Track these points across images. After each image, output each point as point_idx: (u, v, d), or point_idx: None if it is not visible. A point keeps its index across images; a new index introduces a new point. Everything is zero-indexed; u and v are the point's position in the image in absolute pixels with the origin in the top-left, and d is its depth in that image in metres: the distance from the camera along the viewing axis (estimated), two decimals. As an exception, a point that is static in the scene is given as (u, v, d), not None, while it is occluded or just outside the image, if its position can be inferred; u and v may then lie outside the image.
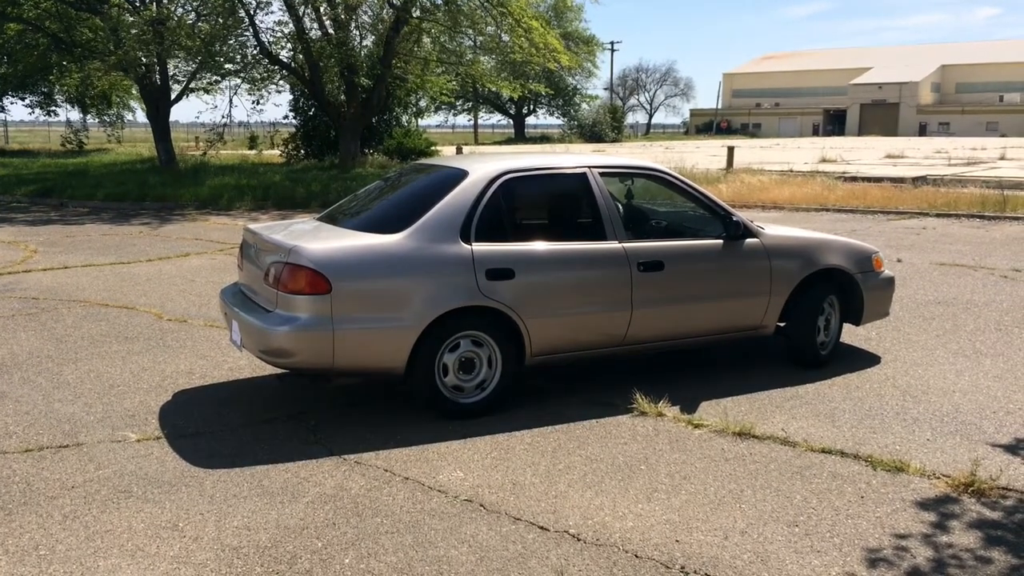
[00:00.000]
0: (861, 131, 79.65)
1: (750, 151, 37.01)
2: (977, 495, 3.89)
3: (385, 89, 24.10)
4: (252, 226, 5.44)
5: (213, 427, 4.80)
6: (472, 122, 71.26)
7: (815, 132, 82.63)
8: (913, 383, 5.59)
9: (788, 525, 3.62)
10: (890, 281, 6.36)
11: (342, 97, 23.91)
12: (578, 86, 69.43)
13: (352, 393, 5.35)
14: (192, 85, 24.29)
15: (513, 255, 4.95)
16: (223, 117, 25.02)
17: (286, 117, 28.93)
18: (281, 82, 24.92)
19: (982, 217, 14.50)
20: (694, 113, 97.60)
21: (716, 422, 4.80)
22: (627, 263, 5.23)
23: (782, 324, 5.89)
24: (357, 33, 24.84)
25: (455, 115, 69.08)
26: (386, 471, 4.18)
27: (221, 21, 21.16)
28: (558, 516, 3.70)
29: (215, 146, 25.77)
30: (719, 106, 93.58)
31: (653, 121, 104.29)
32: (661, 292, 5.35)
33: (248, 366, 5.91)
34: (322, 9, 22.56)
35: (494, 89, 30.98)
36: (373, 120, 26.35)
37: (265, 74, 23.80)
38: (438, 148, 28.50)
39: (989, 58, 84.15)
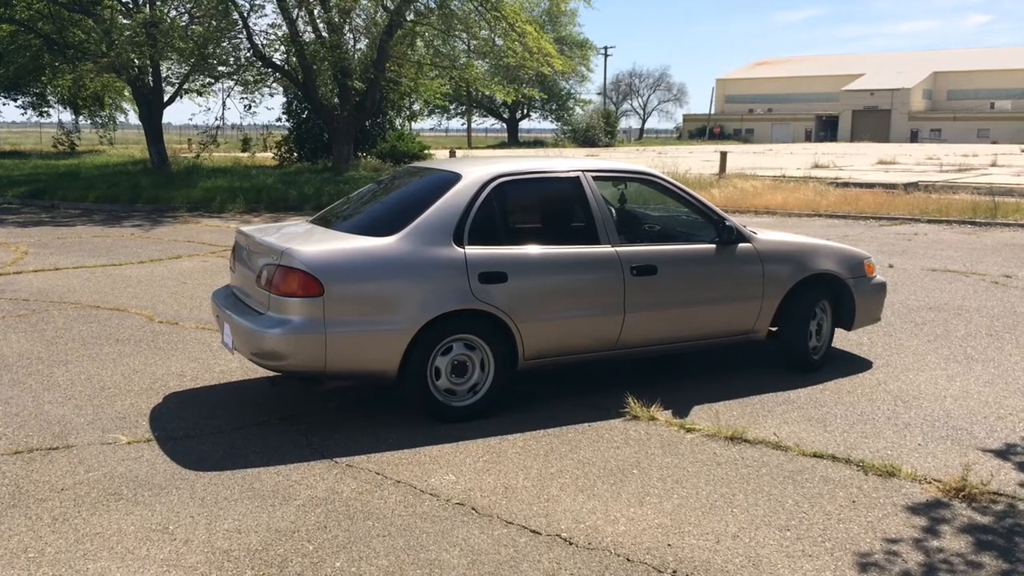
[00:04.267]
0: (853, 137, 79.94)
1: (743, 156, 37.12)
2: (968, 500, 3.90)
3: (378, 92, 24.09)
4: (244, 228, 5.43)
5: (204, 430, 4.78)
6: (465, 126, 71.36)
7: (807, 138, 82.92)
8: (904, 388, 5.61)
9: (780, 529, 3.63)
10: (882, 286, 6.38)
11: (335, 100, 23.89)
12: (571, 91, 69.64)
13: (344, 396, 5.34)
14: (185, 87, 24.21)
15: (506, 258, 4.95)
16: (216, 119, 24.92)
17: (279, 120, 28.90)
18: (274, 85, 24.88)
19: (973, 223, 14.57)
20: (687, 118, 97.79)
21: (708, 426, 4.81)
22: (620, 267, 5.23)
23: (774, 329, 5.90)
24: (351, 36, 24.83)
25: (448, 119, 69.20)
26: (378, 474, 4.17)
27: (214, 23, 21.12)
28: (550, 520, 3.70)
29: (208, 148, 25.68)
30: (712, 111, 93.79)
31: (646, 126, 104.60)
32: (654, 296, 5.35)
33: (240, 369, 5.90)
34: (316, 12, 22.56)
35: (488, 93, 31.00)
36: (366, 123, 26.33)
37: (258, 76, 23.75)
38: (431, 152, 28.48)
39: (981, 65, 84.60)
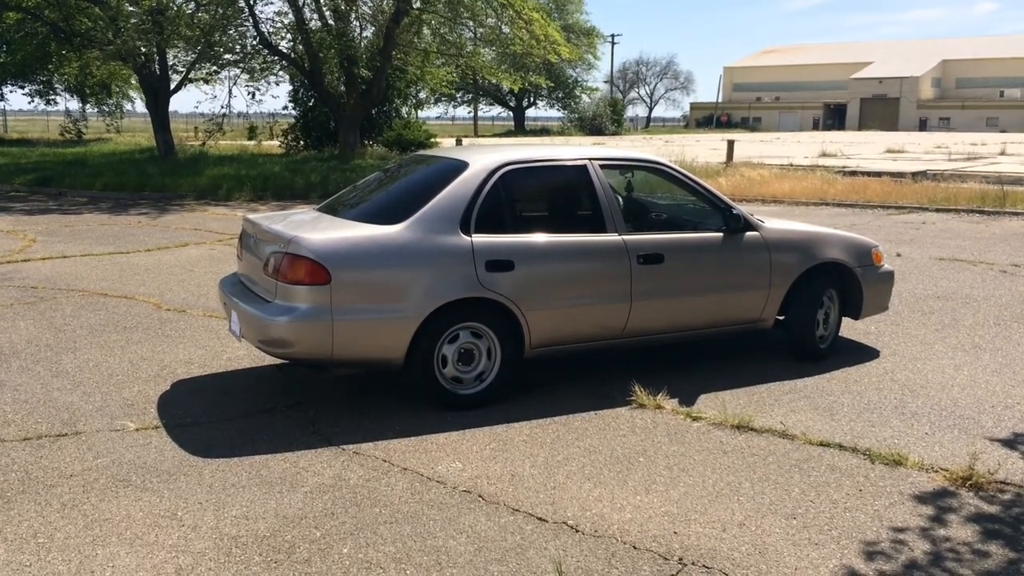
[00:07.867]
0: (861, 126, 79.61)
1: (750, 145, 36.98)
2: (975, 489, 3.89)
3: (385, 80, 24.06)
4: (251, 216, 5.43)
5: (212, 417, 4.80)
6: (472, 114, 71.19)
7: (815, 126, 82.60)
8: (912, 377, 5.59)
9: (786, 517, 3.63)
10: (889, 275, 6.36)
11: (342, 88, 23.86)
12: (578, 79, 69.45)
13: (351, 383, 5.35)
14: (191, 75, 24.21)
15: (513, 247, 4.94)
16: (222, 107, 24.98)
17: (285, 108, 28.86)
18: (281, 73, 24.87)
19: (982, 212, 14.50)
20: (694, 107, 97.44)
21: (715, 415, 4.81)
22: (627, 255, 5.22)
23: (781, 317, 5.89)
24: (357, 24, 24.81)
25: (455, 107, 69.01)
26: (385, 461, 4.18)
27: (220, 11, 21.11)
28: (556, 507, 3.71)
29: (214, 136, 25.71)
30: (719, 100, 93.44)
31: (653, 114, 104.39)
32: (661, 285, 5.34)
33: (247, 356, 5.91)
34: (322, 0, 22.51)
35: (494, 81, 30.93)
36: (373, 111, 26.30)
37: (265, 65, 23.73)
38: (438, 140, 28.44)
39: (990, 53, 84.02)
